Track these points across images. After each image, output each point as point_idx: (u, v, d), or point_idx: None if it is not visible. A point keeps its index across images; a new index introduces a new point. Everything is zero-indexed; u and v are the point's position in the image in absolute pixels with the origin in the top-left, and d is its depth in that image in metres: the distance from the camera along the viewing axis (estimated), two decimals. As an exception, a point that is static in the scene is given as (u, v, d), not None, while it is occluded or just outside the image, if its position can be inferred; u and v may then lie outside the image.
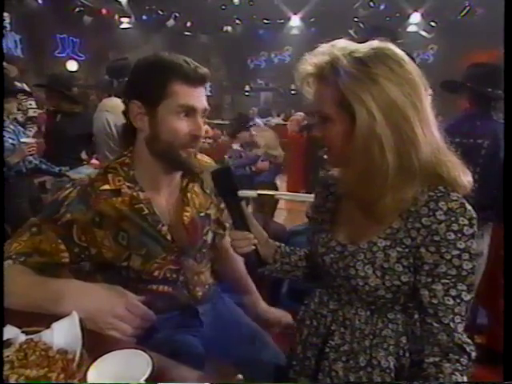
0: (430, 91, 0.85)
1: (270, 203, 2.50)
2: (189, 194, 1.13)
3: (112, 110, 2.40)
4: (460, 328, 0.81)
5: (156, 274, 1.06)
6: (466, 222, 0.80)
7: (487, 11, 9.12)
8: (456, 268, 0.81)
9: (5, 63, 4.30)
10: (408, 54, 0.86)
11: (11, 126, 2.72)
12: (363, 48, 0.83)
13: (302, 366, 1.00)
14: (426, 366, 0.81)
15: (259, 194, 2.54)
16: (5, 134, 2.60)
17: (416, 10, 10.40)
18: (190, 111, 1.00)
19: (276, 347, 1.21)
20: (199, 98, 1.02)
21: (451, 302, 0.81)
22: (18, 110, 4.02)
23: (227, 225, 1.31)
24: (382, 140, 0.79)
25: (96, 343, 0.77)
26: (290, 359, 1.05)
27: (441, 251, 0.81)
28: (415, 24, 10.62)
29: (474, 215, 0.81)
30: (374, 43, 0.84)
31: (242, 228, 0.95)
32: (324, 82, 0.84)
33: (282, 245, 1.13)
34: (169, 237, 1.06)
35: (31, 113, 4.20)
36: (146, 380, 0.66)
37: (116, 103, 2.32)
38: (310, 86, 0.89)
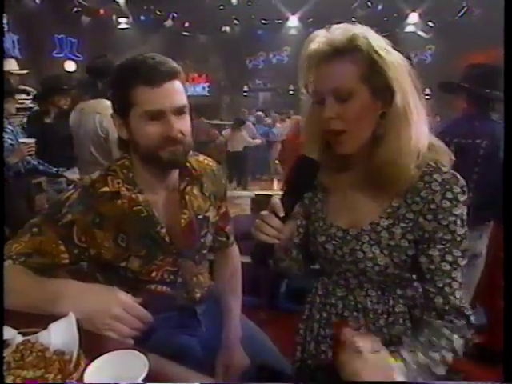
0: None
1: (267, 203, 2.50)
2: (187, 197, 1.12)
3: (104, 112, 2.35)
4: (458, 294, 0.84)
5: (153, 274, 1.07)
6: (459, 189, 0.84)
7: (485, 11, 9.14)
8: (451, 233, 0.84)
9: (12, 66, 4.30)
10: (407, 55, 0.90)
11: (9, 127, 2.72)
12: (364, 28, 0.85)
13: (318, 362, 0.99)
14: (422, 324, 0.85)
15: (257, 194, 2.55)
16: (3, 134, 2.60)
17: (414, 11, 10.43)
18: (158, 114, 0.96)
19: (274, 347, 1.21)
20: (166, 97, 0.96)
21: (448, 267, 0.84)
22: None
23: (230, 234, 1.31)
24: (408, 117, 0.82)
25: (93, 344, 0.77)
26: (303, 357, 1.04)
27: (438, 218, 0.84)
28: (413, 24, 10.66)
29: (465, 183, 0.86)
30: (358, 27, 0.85)
31: (281, 219, 0.85)
32: (346, 57, 0.82)
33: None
34: (167, 238, 1.07)
35: None
36: (143, 381, 0.66)
37: (107, 105, 2.30)
38: (320, 65, 0.84)
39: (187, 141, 1.02)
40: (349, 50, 0.82)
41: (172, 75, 0.97)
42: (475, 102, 2.01)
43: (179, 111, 0.99)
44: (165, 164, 1.02)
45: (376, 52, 0.81)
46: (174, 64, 0.99)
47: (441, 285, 0.84)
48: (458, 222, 0.84)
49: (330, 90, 0.84)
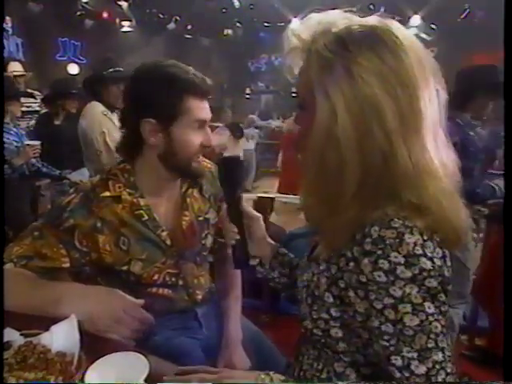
0: (443, 96, 0.66)
1: (269, 205, 2.50)
2: (188, 199, 1.14)
3: (84, 114, 2.41)
4: None
5: (155, 277, 1.07)
6: (401, 259, 0.58)
7: (487, 14, 9.14)
8: (393, 324, 0.59)
9: (17, 68, 4.35)
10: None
11: (14, 129, 2.74)
12: (355, 25, 0.65)
13: None
14: None
15: (259, 197, 2.55)
16: (9, 136, 2.63)
17: (416, 13, 10.42)
18: (201, 124, 1.04)
19: (275, 349, 1.21)
20: (207, 109, 1.05)
21: (398, 375, 0.59)
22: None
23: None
24: (340, 147, 0.61)
25: (94, 346, 0.78)
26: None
27: (370, 297, 0.61)
28: (415, 27, 10.63)
29: (419, 251, 0.58)
30: (372, 20, 0.65)
31: (236, 221, 0.91)
32: (306, 59, 0.68)
33: (287, 253, 1.00)
34: (168, 241, 1.07)
35: None
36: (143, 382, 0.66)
37: (89, 106, 2.41)
38: (298, 60, 0.71)
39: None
40: (307, 52, 0.69)
41: (210, 91, 1.06)
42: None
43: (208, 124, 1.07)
44: (192, 173, 1.08)
45: (312, 67, 0.66)
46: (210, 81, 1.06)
47: None
48: (404, 309, 0.58)
49: None
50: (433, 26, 10.51)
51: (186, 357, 1.00)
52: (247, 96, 12.89)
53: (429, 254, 0.59)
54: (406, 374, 0.58)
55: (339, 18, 0.67)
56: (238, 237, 0.90)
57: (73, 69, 9.72)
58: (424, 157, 0.63)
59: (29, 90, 4.01)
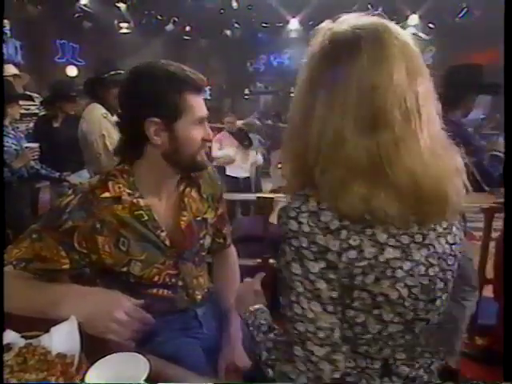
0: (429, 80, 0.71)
1: (269, 205, 2.49)
2: (186, 199, 1.14)
3: (86, 117, 2.43)
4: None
5: (155, 279, 1.08)
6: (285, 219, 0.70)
7: (484, 13, 9.16)
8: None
9: (11, 70, 4.33)
10: None
11: (13, 132, 2.74)
12: (354, 24, 0.70)
13: None
14: None
15: (258, 197, 2.55)
16: (8, 139, 2.63)
17: (414, 12, 10.44)
18: (202, 120, 1.06)
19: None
20: (204, 104, 1.07)
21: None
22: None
23: (228, 235, 1.32)
24: (340, 130, 0.67)
25: (94, 347, 0.78)
26: None
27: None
28: (413, 26, 10.65)
29: (292, 214, 0.68)
30: (373, 19, 0.71)
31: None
32: None
33: None
34: (167, 242, 1.07)
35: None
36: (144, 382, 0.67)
37: (90, 109, 2.44)
38: None
39: None
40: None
41: (204, 88, 1.09)
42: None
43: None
44: (197, 167, 1.11)
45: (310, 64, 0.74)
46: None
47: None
48: (288, 257, 0.69)
49: None
50: (431, 25, 10.53)
51: (186, 356, 1.01)
52: (246, 97, 12.90)
53: (301, 219, 0.67)
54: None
55: (345, 21, 0.72)
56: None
57: (71, 71, 9.73)
58: (428, 140, 0.67)
59: (28, 93, 4.00)
